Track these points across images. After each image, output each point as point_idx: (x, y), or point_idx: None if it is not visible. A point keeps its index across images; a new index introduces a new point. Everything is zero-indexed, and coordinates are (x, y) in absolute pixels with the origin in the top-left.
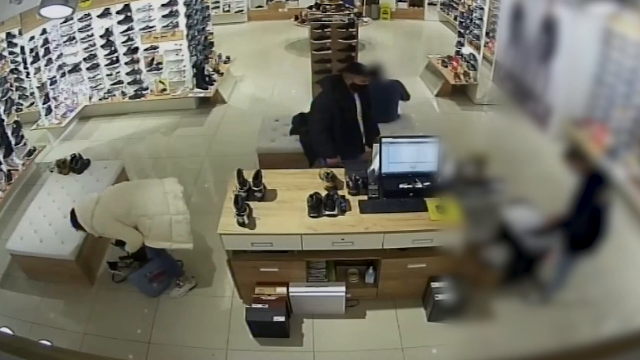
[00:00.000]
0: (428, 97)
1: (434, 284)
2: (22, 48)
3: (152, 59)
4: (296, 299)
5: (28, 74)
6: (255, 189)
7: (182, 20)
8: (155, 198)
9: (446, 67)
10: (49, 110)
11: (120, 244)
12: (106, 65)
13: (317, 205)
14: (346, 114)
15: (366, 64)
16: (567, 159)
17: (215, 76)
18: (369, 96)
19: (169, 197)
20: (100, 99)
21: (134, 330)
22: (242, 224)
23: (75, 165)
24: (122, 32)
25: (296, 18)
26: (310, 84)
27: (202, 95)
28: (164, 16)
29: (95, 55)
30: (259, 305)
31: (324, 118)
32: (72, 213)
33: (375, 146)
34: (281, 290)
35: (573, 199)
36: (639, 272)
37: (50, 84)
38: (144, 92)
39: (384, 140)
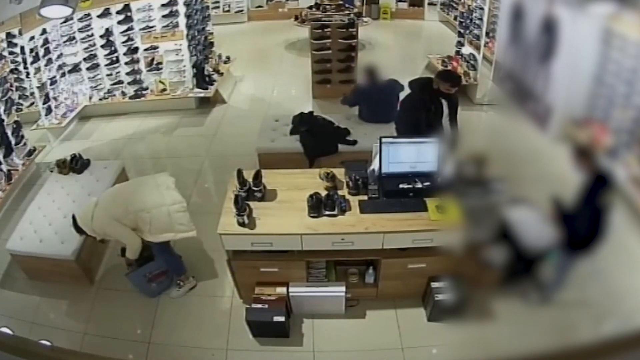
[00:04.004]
0: None
1: (434, 284)
2: (22, 48)
3: (152, 59)
4: (296, 299)
5: (28, 74)
6: (255, 189)
7: (182, 20)
8: (149, 192)
9: (446, 67)
10: (49, 110)
11: (124, 253)
12: (106, 65)
13: (317, 205)
14: (431, 116)
15: (363, 64)
16: (575, 157)
17: (215, 76)
18: (457, 102)
19: (162, 189)
20: (100, 99)
21: (134, 330)
22: (242, 224)
23: (75, 165)
24: (122, 32)
25: (296, 18)
26: (310, 84)
27: (202, 95)
28: (164, 16)
29: (95, 55)
30: (259, 305)
31: (409, 118)
32: (74, 218)
33: (375, 146)
34: (281, 290)
35: (577, 196)
36: (639, 272)
37: (50, 84)
38: (144, 92)
39: (384, 140)
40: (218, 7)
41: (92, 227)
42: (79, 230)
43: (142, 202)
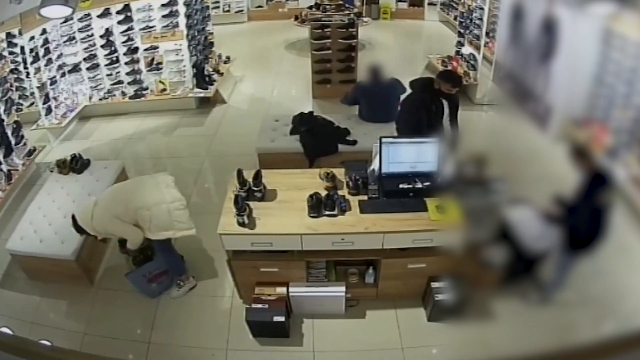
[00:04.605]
0: None
1: (434, 284)
2: (22, 48)
3: (152, 59)
4: (296, 299)
5: (28, 74)
6: (255, 189)
7: (182, 20)
8: (149, 190)
9: (446, 67)
10: (49, 110)
11: (123, 246)
12: (106, 65)
13: (317, 205)
14: (432, 115)
15: (367, 63)
16: (573, 156)
17: (215, 76)
18: (457, 102)
19: (161, 187)
20: (100, 99)
21: (134, 330)
22: (242, 224)
23: (75, 165)
24: (122, 32)
25: (296, 18)
26: (310, 84)
27: (202, 95)
28: (164, 16)
29: (95, 55)
30: (259, 305)
31: (410, 118)
32: (74, 218)
33: (375, 146)
34: (281, 290)
35: (576, 196)
36: (639, 272)
37: (50, 84)
38: (144, 92)
39: (384, 140)
40: (218, 7)
41: (92, 226)
42: (79, 230)
43: (142, 199)
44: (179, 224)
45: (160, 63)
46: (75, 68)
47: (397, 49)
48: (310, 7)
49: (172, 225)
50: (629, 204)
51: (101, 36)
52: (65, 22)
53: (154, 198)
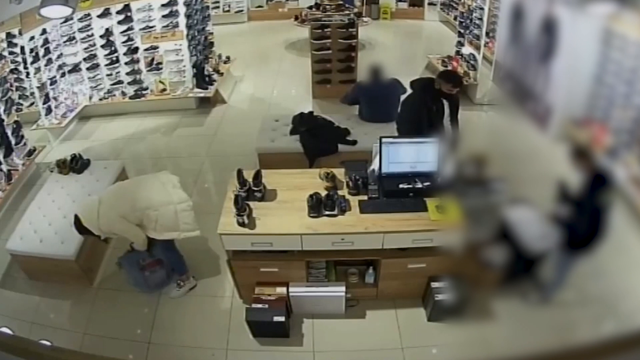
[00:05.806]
0: None
1: (434, 284)
2: (22, 48)
3: (152, 59)
4: (296, 299)
5: (28, 74)
6: (255, 189)
7: (182, 20)
8: (155, 190)
9: (446, 67)
10: (49, 110)
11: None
12: (106, 65)
13: (317, 205)
14: (433, 115)
15: (368, 63)
16: (573, 157)
17: (215, 76)
18: (458, 102)
19: (168, 187)
20: (100, 99)
21: (134, 330)
22: (242, 224)
23: (75, 165)
24: (122, 32)
25: (296, 18)
26: (310, 84)
27: (202, 95)
28: (164, 16)
29: (95, 55)
30: (259, 305)
31: (411, 118)
32: (76, 218)
33: (375, 146)
34: (281, 290)
35: (576, 196)
36: (639, 272)
37: (50, 84)
38: (144, 92)
39: (384, 140)
40: (218, 7)
41: (98, 225)
42: (81, 230)
43: (149, 200)
44: (185, 225)
45: (160, 63)
46: (75, 68)
47: (397, 49)
48: (310, 7)
49: (178, 226)
50: (629, 204)
51: (101, 36)
52: (65, 22)
53: (161, 198)
